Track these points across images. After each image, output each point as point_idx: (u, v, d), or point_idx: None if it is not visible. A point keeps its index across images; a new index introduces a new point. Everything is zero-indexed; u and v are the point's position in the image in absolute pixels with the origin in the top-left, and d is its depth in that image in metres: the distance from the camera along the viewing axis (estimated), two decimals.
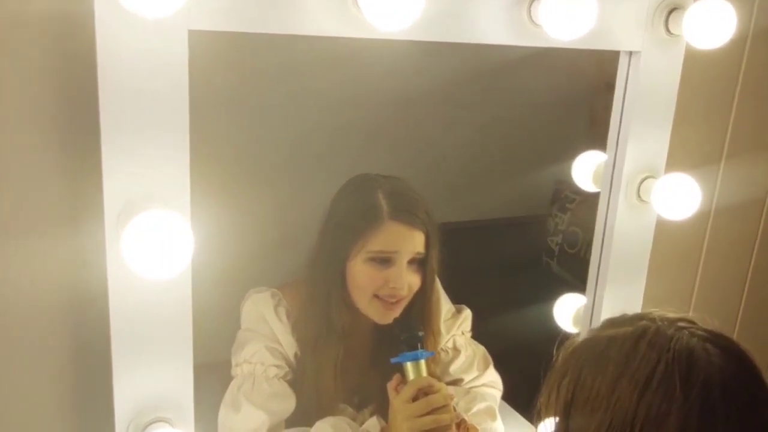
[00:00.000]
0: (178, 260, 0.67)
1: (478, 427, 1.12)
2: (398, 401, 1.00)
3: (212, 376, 1.00)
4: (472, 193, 1.84)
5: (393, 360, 1.03)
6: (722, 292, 1.53)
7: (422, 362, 1.02)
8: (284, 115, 1.42)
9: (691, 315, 0.69)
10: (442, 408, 1.00)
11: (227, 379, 1.09)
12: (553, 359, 0.72)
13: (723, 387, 0.61)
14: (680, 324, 0.67)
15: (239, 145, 1.36)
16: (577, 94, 2.02)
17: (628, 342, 0.65)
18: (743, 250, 1.51)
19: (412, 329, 1.04)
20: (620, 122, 1.07)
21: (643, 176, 1.07)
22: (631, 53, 1.04)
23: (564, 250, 2.07)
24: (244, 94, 1.35)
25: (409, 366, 1.02)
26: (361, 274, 1.06)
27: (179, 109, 0.72)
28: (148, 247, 0.66)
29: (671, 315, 0.69)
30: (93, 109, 0.70)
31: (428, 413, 0.99)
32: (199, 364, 0.81)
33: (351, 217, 1.07)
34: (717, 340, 0.65)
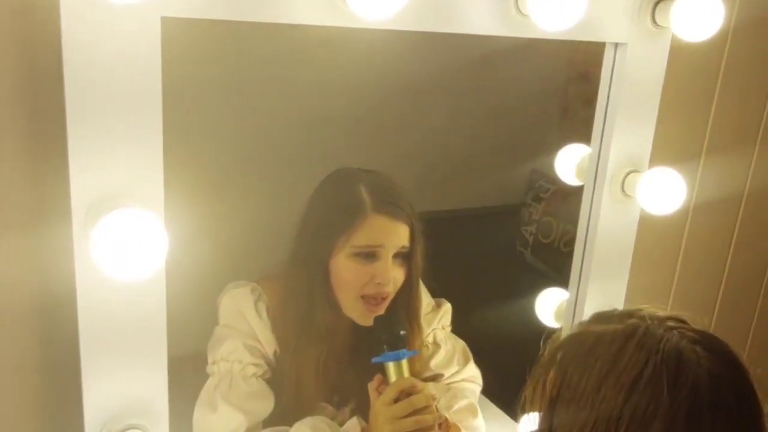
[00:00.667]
0: (150, 261, 0.63)
1: (460, 425, 1.10)
2: (380, 403, 0.98)
3: (184, 369, 0.97)
4: (445, 183, 1.83)
5: (374, 360, 1.01)
6: (700, 288, 1.54)
7: (404, 362, 0.99)
8: (262, 106, 1.38)
9: (681, 314, 0.68)
10: (425, 409, 0.98)
11: (200, 372, 1.05)
12: (540, 352, 0.71)
13: (711, 390, 0.60)
14: (670, 324, 0.65)
15: (215, 137, 1.33)
16: (551, 84, 2.02)
17: (617, 341, 0.64)
18: (721, 245, 1.52)
19: (394, 329, 1.01)
20: (605, 115, 1.06)
21: (628, 170, 1.06)
22: (617, 45, 1.02)
23: (538, 239, 2.07)
24: (220, 84, 1.31)
25: (391, 366, 0.99)
26: (345, 271, 1.03)
27: (151, 100, 0.68)
28: (118, 248, 0.62)
29: (661, 313, 0.68)
30: (58, 102, 0.66)
31: (410, 414, 0.97)
32: (170, 357, 0.77)
33: (333, 212, 1.05)
34: (707, 341, 0.64)
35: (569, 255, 1.94)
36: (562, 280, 1.93)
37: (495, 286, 1.94)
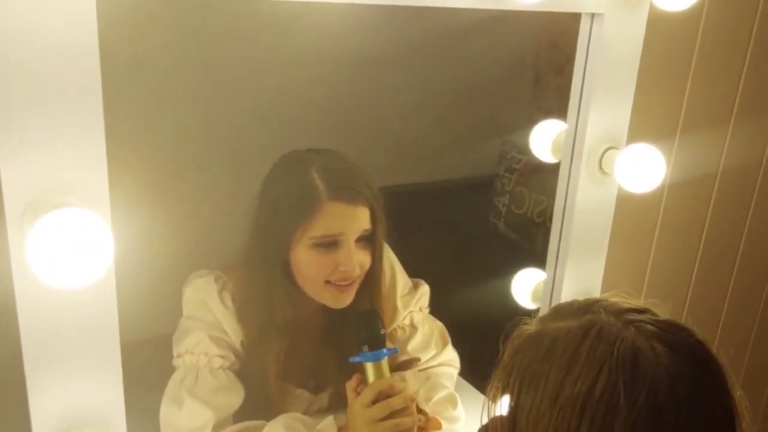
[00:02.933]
0: (96, 266, 0.58)
1: (439, 416, 1.08)
2: (358, 404, 0.95)
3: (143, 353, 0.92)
4: (416, 155, 1.81)
5: (352, 359, 0.98)
6: (676, 263, 1.54)
7: (384, 362, 0.97)
8: (217, 84, 1.32)
9: (642, 303, 0.65)
10: (404, 410, 0.96)
11: (158, 356, 1.02)
12: (500, 353, 0.68)
13: (671, 390, 0.58)
14: (628, 317, 0.62)
15: (163, 119, 1.25)
16: (521, 54, 1.99)
17: (570, 345, 0.61)
18: (696, 221, 1.52)
19: (374, 327, 0.98)
20: (581, 90, 1.01)
21: (606, 147, 1.02)
22: (593, 15, 0.98)
23: (511, 210, 2.06)
24: (165, 61, 1.23)
25: (370, 366, 0.97)
26: (307, 262, 0.99)
27: (89, 81, 0.62)
28: (57, 253, 0.56)
29: (621, 304, 0.64)
30: None
31: (389, 417, 0.95)
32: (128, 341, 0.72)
33: (286, 202, 0.99)
34: (667, 335, 0.61)
35: (542, 225, 1.94)
36: (536, 251, 1.93)
37: (469, 258, 1.92)
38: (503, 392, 0.65)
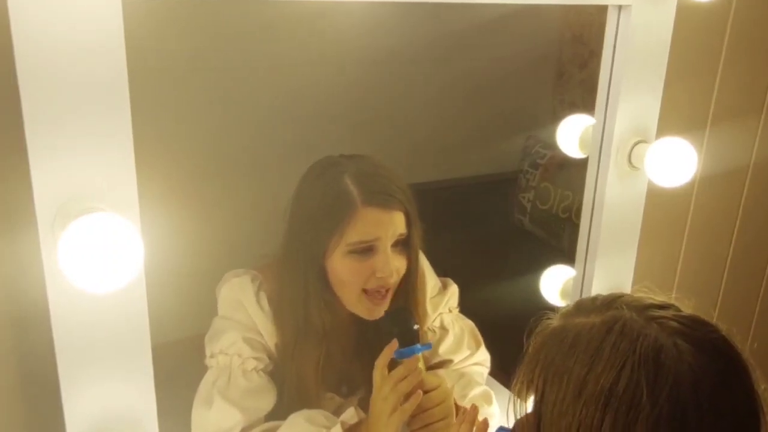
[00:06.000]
0: (126, 271, 0.58)
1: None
2: (386, 382, 0.94)
3: (173, 355, 0.93)
4: (439, 153, 1.80)
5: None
6: (708, 260, 1.51)
7: (419, 358, 0.96)
8: (241, 87, 1.32)
9: (665, 298, 0.65)
10: (441, 405, 0.96)
11: (189, 358, 1.02)
12: (524, 348, 0.68)
13: (693, 387, 0.57)
14: (651, 313, 0.62)
15: (190, 123, 1.26)
16: (544, 48, 1.97)
17: (594, 340, 0.61)
18: (728, 216, 1.49)
19: (407, 323, 0.97)
20: (609, 83, 1.00)
21: (635, 141, 1.01)
22: (620, 7, 0.96)
23: (536, 206, 2.04)
24: (188, 64, 1.24)
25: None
26: (344, 270, 0.98)
27: (117, 90, 0.62)
28: (87, 259, 0.56)
29: (644, 300, 0.64)
30: (13, 96, 0.60)
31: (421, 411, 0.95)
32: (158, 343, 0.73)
33: (321, 210, 0.98)
34: (689, 331, 0.60)
35: (568, 221, 1.91)
36: (562, 247, 1.91)
37: (494, 255, 1.91)
38: (528, 387, 0.65)
